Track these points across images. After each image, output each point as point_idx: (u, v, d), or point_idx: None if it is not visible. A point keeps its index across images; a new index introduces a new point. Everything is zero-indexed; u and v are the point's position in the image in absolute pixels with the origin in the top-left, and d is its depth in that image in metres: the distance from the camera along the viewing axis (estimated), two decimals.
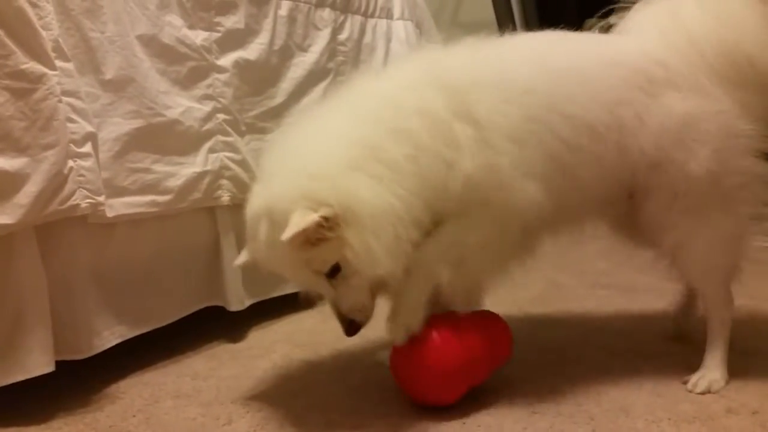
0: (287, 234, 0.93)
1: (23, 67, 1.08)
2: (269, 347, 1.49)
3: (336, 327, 1.57)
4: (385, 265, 0.99)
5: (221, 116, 1.50)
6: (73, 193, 1.15)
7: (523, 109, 1.07)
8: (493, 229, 1.08)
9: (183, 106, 1.42)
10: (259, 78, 1.62)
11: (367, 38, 2.00)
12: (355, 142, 1.02)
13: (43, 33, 1.11)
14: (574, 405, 1.12)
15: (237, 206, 1.52)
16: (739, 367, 1.24)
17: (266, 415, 1.15)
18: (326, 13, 1.84)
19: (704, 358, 1.20)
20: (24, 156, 1.08)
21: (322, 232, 0.96)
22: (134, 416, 1.17)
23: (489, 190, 1.05)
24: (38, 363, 1.13)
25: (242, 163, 1.53)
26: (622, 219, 1.27)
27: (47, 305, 1.15)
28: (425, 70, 1.10)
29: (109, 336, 1.30)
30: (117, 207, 1.28)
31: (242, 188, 1.53)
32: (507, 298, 1.66)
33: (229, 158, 1.51)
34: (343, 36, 1.90)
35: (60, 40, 1.16)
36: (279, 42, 1.67)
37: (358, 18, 1.97)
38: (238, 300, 1.55)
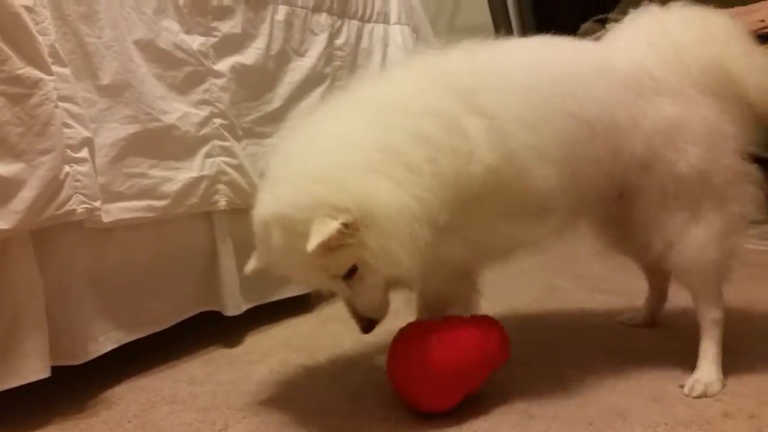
0: (312, 244, 0.93)
1: (19, 72, 1.08)
2: (266, 352, 1.49)
3: (333, 331, 1.59)
4: (403, 265, 1.00)
5: (218, 121, 1.50)
6: (69, 199, 1.15)
7: (528, 105, 1.10)
8: (510, 213, 1.10)
9: (180, 111, 1.42)
10: (256, 83, 1.62)
11: (364, 43, 2.01)
12: (369, 144, 1.02)
13: (40, 38, 1.12)
14: (570, 409, 1.12)
15: (234, 211, 1.53)
16: (735, 370, 1.24)
17: (263, 420, 1.15)
18: (323, 18, 1.85)
19: (698, 361, 1.21)
20: (20, 161, 1.08)
21: (343, 238, 0.96)
22: (130, 422, 1.17)
23: (509, 175, 1.07)
24: (34, 368, 1.13)
25: (239, 168, 1.53)
26: (609, 221, 1.31)
27: (43, 310, 1.15)
28: (430, 73, 1.12)
29: (105, 341, 1.30)
30: (113, 212, 1.28)
31: (239, 193, 1.53)
32: (504, 302, 1.66)
33: (226, 163, 1.51)
34: (340, 41, 1.90)
35: (56, 45, 1.16)
36: (276, 47, 1.67)
37: (355, 23, 1.98)
38: (234, 305, 1.55)
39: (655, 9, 1.29)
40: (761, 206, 1.21)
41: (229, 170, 1.51)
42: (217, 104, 1.50)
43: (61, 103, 1.14)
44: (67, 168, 1.14)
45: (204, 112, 1.47)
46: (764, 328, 1.45)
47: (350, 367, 1.37)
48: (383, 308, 1.10)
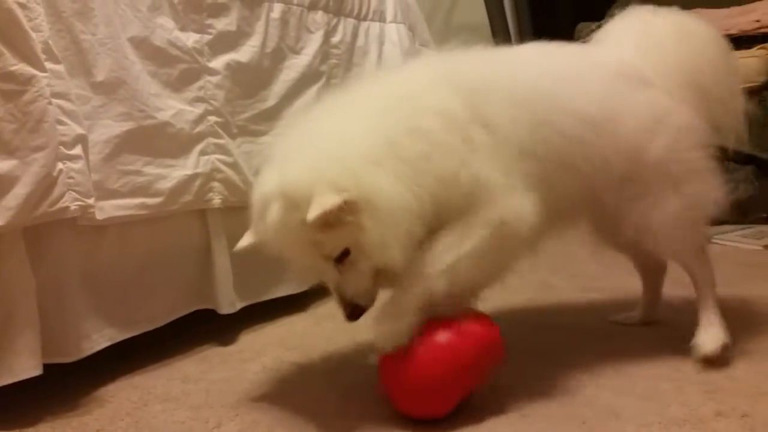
0: (312, 214, 0.94)
1: (12, 68, 1.08)
2: (260, 350, 1.48)
3: (327, 330, 1.59)
4: (396, 256, 1.01)
5: (213, 119, 1.50)
6: (62, 196, 1.14)
7: (532, 113, 1.12)
8: (490, 244, 1.08)
9: (174, 108, 1.42)
10: (251, 80, 1.61)
11: (360, 41, 2.01)
12: (375, 136, 1.04)
13: (33, 35, 1.11)
14: (564, 409, 1.12)
15: (228, 209, 1.53)
16: (728, 369, 1.25)
17: (256, 419, 1.14)
18: (319, 16, 1.84)
19: (700, 320, 1.29)
20: (13, 158, 1.08)
21: (342, 216, 0.97)
22: (122, 420, 1.17)
23: (493, 193, 1.07)
24: (26, 366, 1.13)
25: (234, 166, 1.53)
26: (603, 215, 1.32)
27: (35, 308, 1.15)
28: (441, 72, 1.14)
29: (99, 339, 1.29)
30: (107, 209, 1.27)
31: (234, 191, 1.53)
32: (498, 301, 1.66)
33: (220, 161, 1.50)
34: (335, 39, 1.90)
35: (50, 41, 1.15)
36: (271, 44, 1.67)
37: (351, 21, 1.98)
38: (229, 303, 1.55)
39: (640, 11, 1.36)
40: (722, 198, 1.28)
41: (223, 168, 1.51)
42: (211, 102, 1.50)
43: (54, 100, 1.14)
44: (60, 165, 1.14)
45: (198, 109, 1.47)
46: (758, 326, 1.45)
47: (343, 366, 1.37)
48: (371, 295, 1.09)
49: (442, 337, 1.08)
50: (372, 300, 1.10)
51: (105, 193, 1.27)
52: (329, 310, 1.77)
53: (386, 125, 1.05)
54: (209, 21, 1.52)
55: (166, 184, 1.39)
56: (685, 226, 1.29)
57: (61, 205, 1.14)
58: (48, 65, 1.13)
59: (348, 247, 1.03)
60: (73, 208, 1.16)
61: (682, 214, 1.27)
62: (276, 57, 1.69)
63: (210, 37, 1.52)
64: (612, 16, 1.41)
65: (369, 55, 2.04)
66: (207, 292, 1.53)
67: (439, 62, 1.19)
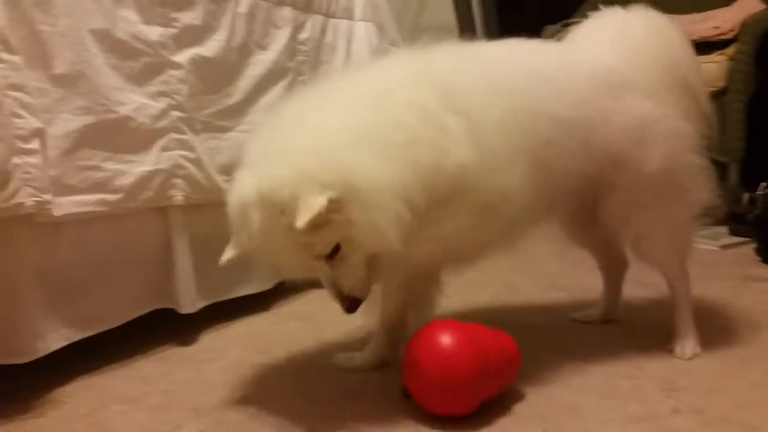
0: (301, 221, 0.92)
1: None
2: (221, 351, 1.46)
3: (291, 329, 1.58)
4: (389, 238, 1.00)
5: (176, 114, 1.47)
6: (17, 191, 1.11)
7: (507, 107, 1.13)
8: (480, 212, 1.11)
9: (136, 102, 1.39)
10: (216, 75, 1.59)
11: (328, 38, 1.99)
12: (350, 126, 1.02)
13: None
14: (525, 406, 1.13)
15: (191, 206, 1.51)
16: (684, 367, 1.28)
17: (216, 420, 1.13)
18: (287, 12, 1.83)
19: (676, 327, 1.35)
20: None
21: (330, 215, 0.96)
22: (78, 422, 1.14)
23: (479, 174, 1.08)
24: None
25: (197, 162, 1.50)
26: (576, 214, 1.37)
27: None
28: (415, 68, 1.13)
29: (54, 339, 1.26)
30: (65, 206, 1.24)
31: (196, 188, 1.50)
32: (462, 299, 1.67)
33: (183, 157, 1.48)
34: (303, 35, 1.89)
35: (6, 31, 1.12)
36: (237, 39, 1.65)
37: (319, 18, 1.96)
38: (190, 302, 1.52)
39: (615, 10, 1.36)
40: (713, 194, 1.33)
41: (186, 164, 1.48)
42: (175, 96, 1.47)
43: (10, 92, 1.11)
44: (16, 159, 1.10)
45: (161, 104, 1.44)
46: (713, 325, 1.48)
47: (307, 366, 1.36)
48: (367, 286, 1.09)
49: (473, 334, 1.09)
50: (367, 290, 1.10)
51: (63, 188, 1.24)
52: (292, 309, 1.76)
53: (362, 117, 1.04)
54: (174, 14, 1.49)
55: (126, 181, 1.36)
56: (682, 232, 1.35)
57: (16, 200, 1.11)
58: (3, 56, 1.10)
59: (339, 242, 1.01)
60: (29, 204, 1.13)
61: (683, 221, 1.33)
62: (242, 52, 1.67)
63: (175, 30, 1.49)
64: (581, 16, 1.42)
65: (337, 52, 2.03)
66: (167, 291, 1.51)
67: (411, 58, 1.18)
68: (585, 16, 1.41)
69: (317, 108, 1.08)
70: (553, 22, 2.79)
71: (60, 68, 1.24)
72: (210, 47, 1.57)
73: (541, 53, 1.30)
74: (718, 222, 2.52)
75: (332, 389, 1.24)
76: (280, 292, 1.78)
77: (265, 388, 1.26)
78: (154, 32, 1.44)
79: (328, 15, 2.00)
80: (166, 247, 1.50)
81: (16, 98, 1.12)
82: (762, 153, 2.53)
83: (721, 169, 2.52)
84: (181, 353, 1.47)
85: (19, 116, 1.12)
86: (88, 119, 1.29)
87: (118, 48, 1.36)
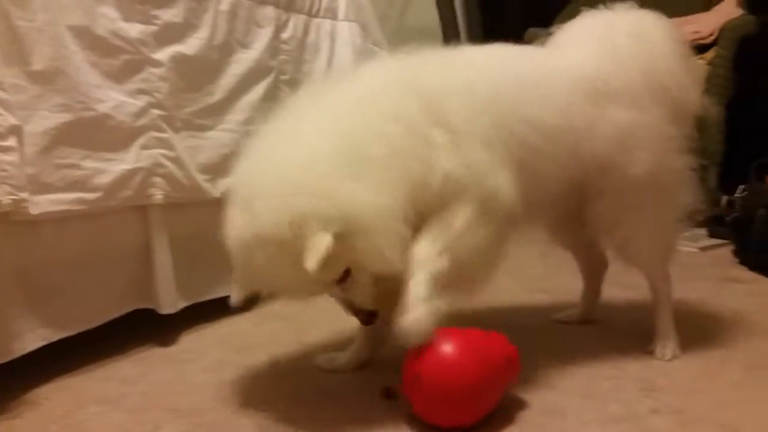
0: (312, 263, 0.93)
1: None
2: (201, 351, 1.45)
3: (272, 329, 1.57)
4: (393, 259, 1.01)
5: (156, 112, 1.45)
6: None
7: (491, 116, 1.12)
8: (476, 220, 1.10)
9: (115, 100, 1.38)
10: (197, 73, 1.58)
11: (311, 38, 1.99)
12: (342, 151, 1.01)
13: None
14: (506, 406, 1.13)
15: (171, 205, 1.49)
16: (664, 367, 1.29)
17: (195, 421, 1.12)
18: (269, 11, 1.82)
19: (657, 328, 1.36)
20: None
21: (337, 249, 0.96)
22: (55, 423, 1.12)
23: (468, 184, 1.08)
24: None
25: (177, 161, 1.49)
26: (561, 217, 1.37)
27: None
28: (398, 76, 1.13)
29: (32, 339, 1.24)
30: (42, 204, 1.22)
31: (176, 187, 1.49)
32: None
33: (163, 155, 1.46)
34: (286, 34, 1.88)
35: None
36: (219, 38, 1.64)
37: (302, 17, 1.96)
38: (170, 302, 1.51)
39: (599, 14, 1.35)
40: (697, 196, 1.35)
41: (166, 163, 1.47)
42: (155, 94, 1.46)
43: None
44: None
45: (141, 102, 1.43)
46: (693, 326, 1.50)
47: (288, 367, 1.35)
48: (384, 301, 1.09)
49: (476, 342, 1.07)
50: (376, 303, 1.10)
51: (40, 187, 1.22)
52: (274, 309, 1.74)
53: (349, 135, 1.03)
54: (155, 12, 1.47)
55: (104, 179, 1.34)
56: (668, 234, 1.37)
57: None
58: None
59: (348, 267, 1.03)
60: (5, 202, 1.12)
61: (668, 223, 1.34)
62: (224, 50, 1.66)
63: (155, 28, 1.48)
64: (564, 20, 1.41)
65: (320, 52, 2.02)
66: (147, 291, 1.49)
67: (395, 66, 1.17)
68: (569, 19, 1.40)
69: (301, 133, 1.06)
70: (537, 25, 2.81)
71: (38, 65, 1.23)
72: (191, 45, 1.56)
73: (526, 59, 1.30)
74: (698, 224, 2.55)
75: (314, 390, 1.23)
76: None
77: (246, 390, 1.24)
78: (134, 29, 1.43)
79: (311, 14, 2.00)
80: (145, 247, 1.48)
81: None
82: (740, 156, 2.56)
83: (700, 172, 2.55)
84: (160, 354, 1.45)
85: None
86: (67, 117, 1.27)
87: (97, 45, 1.35)
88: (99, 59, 1.35)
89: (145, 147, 1.43)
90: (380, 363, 1.30)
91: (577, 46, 1.32)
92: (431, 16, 3.50)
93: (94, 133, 1.33)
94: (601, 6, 1.36)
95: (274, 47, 1.82)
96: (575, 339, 1.48)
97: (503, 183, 1.11)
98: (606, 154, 1.24)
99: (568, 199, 1.30)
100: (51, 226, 1.27)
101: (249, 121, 1.70)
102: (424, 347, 1.03)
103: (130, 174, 1.39)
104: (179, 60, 1.52)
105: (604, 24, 1.34)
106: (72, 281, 1.34)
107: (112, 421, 1.13)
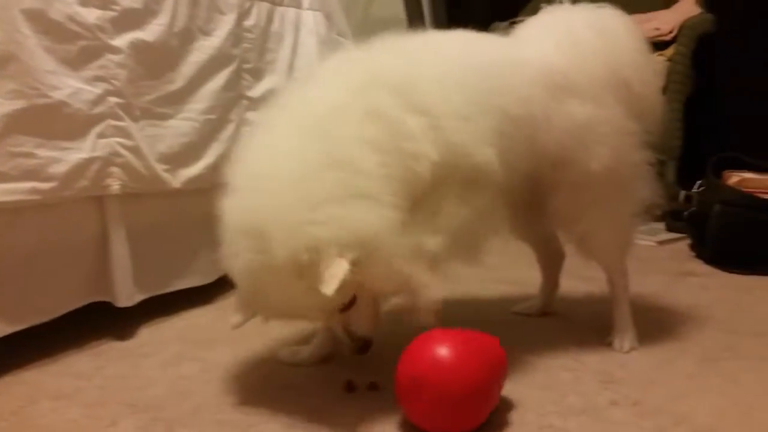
0: (331, 288, 0.93)
1: None
2: (160, 345, 1.42)
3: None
4: (408, 275, 1.03)
5: (113, 99, 1.41)
6: None
7: (465, 95, 1.13)
8: (466, 196, 1.13)
9: (71, 87, 1.33)
10: (157, 61, 1.54)
11: (275, 26, 1.96)
12: (331, 164, 1.00)
13: None
14: None
15: (128, 196, 1.46)
16: (622, 360, 1.31)
17: (154, 416, 1.09)
18: None
19: (615, 322, 1.39)
20: None
21: (352, 275, 0.96)
22: (6, 420, 1.09)
23: (455, 165, 1.10)
24: None
25: (135, 150, 1.45)
26: (518, 210, 1.36)
27: None
28: (363, 71, 1.12)
29: None
30: None
31: (135, 177, 1.45)
32: None
33: (120, 144, 1.42)
34: (249, 22, 1.85)
35: None
36: (180, 24, 1.60)
37: (266, 5, 1.93)
38: (127, 295, 1.48)
39: (561, 9, 1.36)
40: (653, 191, 1.37)
41: (123, 152, 1.43)
42: (113, 81, 1.41)
43: None
44: None
45: (98, 89, 1.39)
46: (650, 319, 1.53)
47: (251, 361, 1.33)
48: (377, 325, 1.10)
49: (475, 344, 1.05)
50: (375, 330, 1.10)
51: None
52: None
53: (336, 151, 1.02)
54: None
55: (60, 168, 1.30)
56: (626, 229, 1.39)
57: None
58: None
59: (352, 295, 1.03)
60: None
61: (626, 217, 1.36)
62: (184, 37, 1.62)
63: (113, 13, 1.43)
64: (528, 13, 1.42)
65: (284, 41, 1.99)
66: (103, 284, 1.46)
67: (359, 61, 1.16)
68: (529, 13, 1.41)
69: (283, 150, 1.04)
70: (502, 19, 2.82)
71: None
72: (151, 31, 1.52)
73: (489, 48, 1.29)
74: (656, 218, 2.61)
75: (276, 383, 1.22)
76: (223, 285, 1.74)
77: (205, 384, 1.22)
78: (92, 14, 1.39)
79: (275, 3, 1.97)
80: (102, 239, 1.45)
81: None
82: (698, 152, 2.62)
83: (658, 167, 2.60)
84: (117, 348, 1.42)
85: None
86: (20, 103, 1.23)
87: (52, 30, 1.31)
88: (54, 45, 1.31)
89: (102, 136, 1.39)
90: (342, 357, 1.30)
91: (538, 40, 1.33)
92: (397, 8, 3.49)
93: (49, 120, 1.29)
94: (560, 2, 1.37)
95: (236, 35, 1.79)
96: (534, 331, 1.49)
97: (488, 155, 1.12)
98: (560, 147, 1.24)
99: (525, 192, 1.30)
100: (4, 216, 1.23)
101: (210, 110, 1.68)
102: (421, 353, 1.02)
103: (86, 163, 1.36)
104: (138, 47, 1.48)
105: (565, 19, 1.34)
106: (26, 273, 1.30)
107: (67, 416, 1.10)
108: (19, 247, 1.28)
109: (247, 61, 1.83)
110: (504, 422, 1.06)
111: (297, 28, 2.05)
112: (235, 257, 1.02)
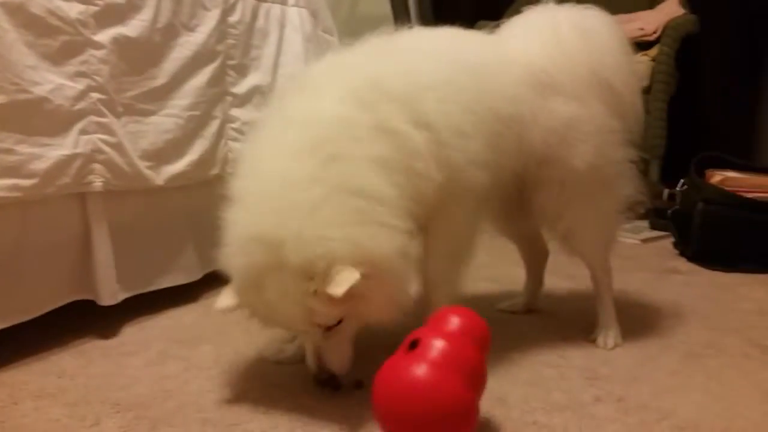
0: (340, 290, 0.95)
1: None
2: (144, 343, 1.41)
3: (218, 322, 1.52)
4: (406, 301, 1.07)
5: (96, 95, 1.40)
6: None
7: (461, 104, 1.15)
8: (468, 215, 1.22)
9: (53, 82, 1.32)
10: (139, 56, 1.52)
11: (260, 23, 1.94)
12: (348, 191, 1.01)
13: None
14: None
15: (111, 193, 1.44)
16: (606, 356, 1.32)
17: (137, 415, 1.08)
18: None
19: (599, 318, 1.41)
20: None
21: (357, 290, 0.97)
22: None
23: (452, 184, 1.14)
24: None
25: (118, 147, 1.44)
26: (503, 208, 1.40)
27: None
28: (363, 79, 1.12)
29: None
30: None
31: (117, 174, 1.44)
32: None
33: (103, 141, 1.41)
34: (233, 18, 1.83)
35: None
36: (163, 20, 1.58)
37: (251, 1, 1.91)
38: (110, 294, 1.46)
39: (546, 8, 1.37)
40: (637, 189, 1.39)
41: (106, 149, 1.41)
42: (95, 77, 1.40)
43: None
44: None
45: (80, 85, 1.37)
46: (634, 316, 1.54)
47: (236, 359, 1.32)
48: (349, 364, 1.10)
49: (451, 355, 0.96)
50: (346, 369, 1.10)
51: None
52: None
53: (351, 174, 1.03)
54: None
55: (41, 165, 1.28)
56: (609, 226, 1.40)
57: None
58: None
59: (343, 317, 1.04)
60: None
61: (610, 214, 1.38)
62: (168, 33, 1.60)
63: (96, 8, 1.41)
64: (513, 13, 1.42)
65: (269, 37, 1.98)
66: (86, 282, 1.44)
67: (355, 68, 1.16)
68: (514, 13, 1.41)
69: (289, 167, 1.04)
70: (487, 17, 2.83)
71: None
72: (133, 27, 1.50)
73: (478, 47, 1.30)
74: (639, 216, 2.63)
75: (261, 382, 1.21)
76: (208, 283, 1.73)
77: (189, 383, 1.21)
78: (74, 9, 1.37)
79: None
80: (84, 236, 1.43)
81: None
82: (681, 151, 2.65)
83: (642, 165, 2.63)
84: (101, 346, 1.40)
85: None
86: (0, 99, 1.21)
87: (32, 24, 1.29)
88: (35, 39, 1.29)
89: (84, 132, 1.37)
90: None
91: (523, 38, 1.34)
92: (383, 5, 3.48)
93: (30, 116, 1.27)
94: (544, 3, 1.38)
95: (221, 31, 1.78)
96: (519, 328, 1.50)
97: (483, 173, 1.16)
98: (546, 145, 1.26)
99: (511, 190, 1.32)
100: None
101: (194, 107, 1.66)
102: (393, 383, 0.96)
103: (68, 160, 1.34)
104: (121, 42, 1.46)
105: (550, 18, 1.35)
106: (7, 271, 1.28)
107: (50, 416, 1.09)
108: (0, 245, 1.26)
109: (231, 57, 1.82)
110: (489, 419, 1.06)
111: (282, 25, 2.04)
112: (240, 257, 1.03)
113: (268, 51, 1.96)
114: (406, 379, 0.93)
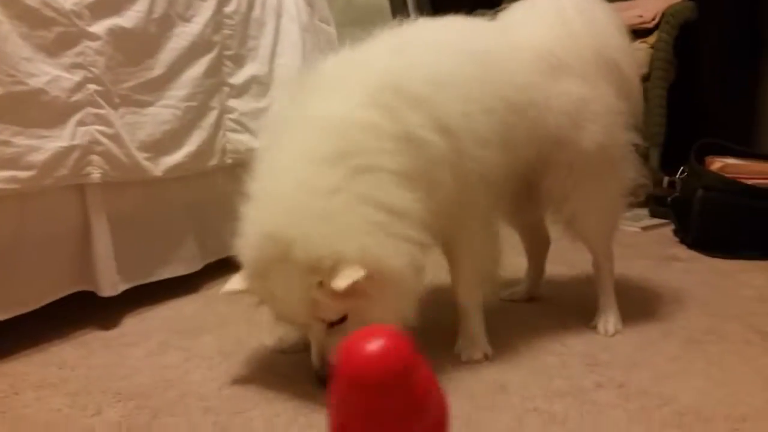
0: (342, 284, 0.96)
1: None
2: (144, 334, 1.41)
3: (219, 312, 1.54)
4: (408, 314, 1.06)
5: (92, 87, 1.39)
6: None
7: (479, 103, 1.14)
8: (482, 226, 1.25)
9: (49, 74, 1.31)
10: (135, 47, 1.51)
11: (256, 12, 1.94)
12: (370, 204, 1.02)
13: None
14: (454, 382, 1.14)
15: (109, 184, 1.44)
16: (607, 343, 1.32)
17: (138, 404, 1.09)
18: None
19: (600, 304, 1.41)
20: None
21: (360, 288, 0.98)
22: None
23: (475, 202, 1.18)
24: None
25: (115, 138, 1.43)
26: (513, 197, 1.37)
27: None
28: (378, 79, 1.10)
29: None
30: None
31: (115, 165, 1.43)
32: None
33: (100, 132, 1.40)
34: (229, 8, 1.82)
35: None
36: (159, 10, 1.57)
37: None
38: (110, 285, 1.46)
39: None
40: (639, 175, 1.39)
41: (103, 140, 1.41)
42: (91, 69, 1.39)
43: None
44: None
45: (77, 76, 1.37)
46: (634, 302, 1.54)
47: (237, 348, 1.32)
48: None
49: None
50: None
51: None
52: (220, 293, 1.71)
53: (374, 186, 1.03)
54: None
55: (38, 157, 1.28)
56: (613, 209, 1.41)
57: None
58: None
59: (348, 313, 1.05)
60: None
61: (615, 197, 1.38)
62: (164, 24, 1.59)
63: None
64: (512, 0, 1.42)
65: (265, 27, 1.97)
66: (86, 273, 1.44)
67: (373, 67, 1.14)
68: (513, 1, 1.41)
69: (308, 170, 1.04)
70: (485, 6, 2.81)
71: None
72: (129, 18, 1.50)
73: (487, 35, 1.29)
74: (639, 204, 2.62)
75: (262, 371, 1.21)
76: (209, 273, 1.73)
77: (190, 373, 1.22)
78: (68, 0, 1.36)
79: None
80: (83, 228, 1.43)
81: None
82: (681, 138, 2.64)
83: (642, 152, 2.62)
84: (101, 337, 1.41)
85: None
86: None
87: (27, 15, 1.28)
88: (30, 31, 1.29)
89: (81, 123, 1.37)
90: None
91: (529, 23, 1.33)
92: None
93: (27, 108, 1.27)
94: None
95: (217, 21, 1.77)
96: (520, 315, 1.50)
97: (489, 194, 1.19)
98: (559, 128, 1.26)
99: (521, 177, 1.31)
100: None
101: (191, 97, 1.66)
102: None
103: (65, 152, 1.34)
104: (117, 33, 1.45)
105: (553, 3, 1.36)
106: (7, 263, 1.28)
107: (52, 406, 1.09)
108: None
109: (228, 47, 1.81)
110: (490, 405, 1.06)
111: (279, 15, 2.03)
112: (252, 250, 1.04)
113: (265, 41, 1.96)
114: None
